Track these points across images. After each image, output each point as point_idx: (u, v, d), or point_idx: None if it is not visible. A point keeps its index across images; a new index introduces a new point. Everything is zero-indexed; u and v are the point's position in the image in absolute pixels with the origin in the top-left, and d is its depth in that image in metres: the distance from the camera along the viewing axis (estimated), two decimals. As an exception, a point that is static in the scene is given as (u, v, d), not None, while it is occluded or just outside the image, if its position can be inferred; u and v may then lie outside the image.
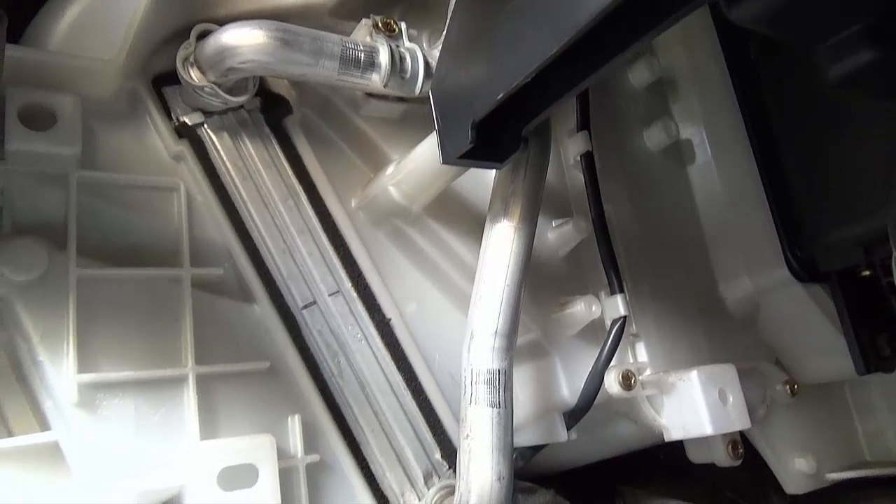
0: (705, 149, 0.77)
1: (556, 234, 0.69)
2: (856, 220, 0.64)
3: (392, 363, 0.64)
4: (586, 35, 0.39)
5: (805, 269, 0.70)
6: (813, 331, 0.72)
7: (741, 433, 0.71)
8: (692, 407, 0.62)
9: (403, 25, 0.63)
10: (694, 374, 0.62)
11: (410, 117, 0.67)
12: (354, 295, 0.64)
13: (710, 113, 0.77)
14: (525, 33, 0.44)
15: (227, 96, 0.60)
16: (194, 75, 0.59)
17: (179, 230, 0.58)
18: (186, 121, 0.62)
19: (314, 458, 0.57)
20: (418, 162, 0.60)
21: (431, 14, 0.66)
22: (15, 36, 0.55)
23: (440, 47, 0.61)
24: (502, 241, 0.55)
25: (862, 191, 0.63)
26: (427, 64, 0.62)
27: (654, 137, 0.77)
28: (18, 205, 0.53)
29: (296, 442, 0.57)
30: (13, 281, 0.50)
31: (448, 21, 0.54)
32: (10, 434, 0.53)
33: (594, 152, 0.70)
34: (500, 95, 0.46)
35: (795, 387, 0.75)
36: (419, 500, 0.61)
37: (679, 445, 0.75)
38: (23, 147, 0.52)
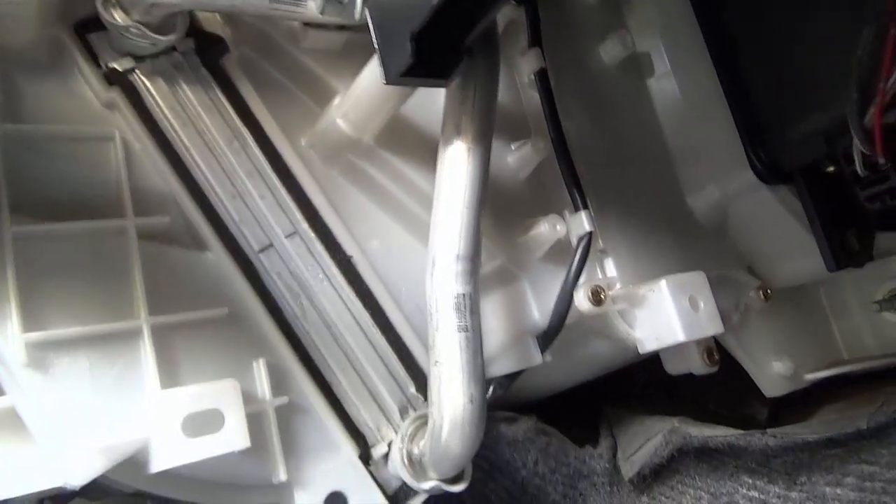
0: (663, 59, 0.76)
1: (516, 157, 0.68)
2: (816, 110, 0.62)
3: (357, 300, 0.62)
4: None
5: (770, 171, 0.69)
6: (782, 233, 0.71)
7: (717, 342, 0.71)
8: (663, 316, 0.61)
9: (334, -54, 0.60)
10: (663, 283, 0.61)
11: (354, 47, 0.64)
12: (312, 235, 0.62)
13: (666, 22, 0.75)
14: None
15: (155, 36, 0.57)
16: (117, 16, 0.56)
17: (119, 180, 0.56)
18: (116, 66, 0.58)
19: (283, 400, 0.56)
20: (363, 88, 0.57)
21: (363, -68, 0.62)
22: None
23: (375, -34, 0.57)
24: (457, 163, 0.54)
25: (820, 81, 0.61)
26: (365, -14, 0.59)
27: (610, 51, 0.74)
28: (-60, 165, 0.50)
29: (263, 385, 0.56)
30: (-56, 244, 0.48)
31: (376, -69, 0.51)
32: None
33: (549, 69, 0.67)
34: (435, 1, 0.44)
35: (769, 291, 0.75)
36: (395, 433, 0.60)
37: (658, 365, 0.75)
38: (-64, 102, 0.49)
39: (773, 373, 0.74)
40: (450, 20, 0.48)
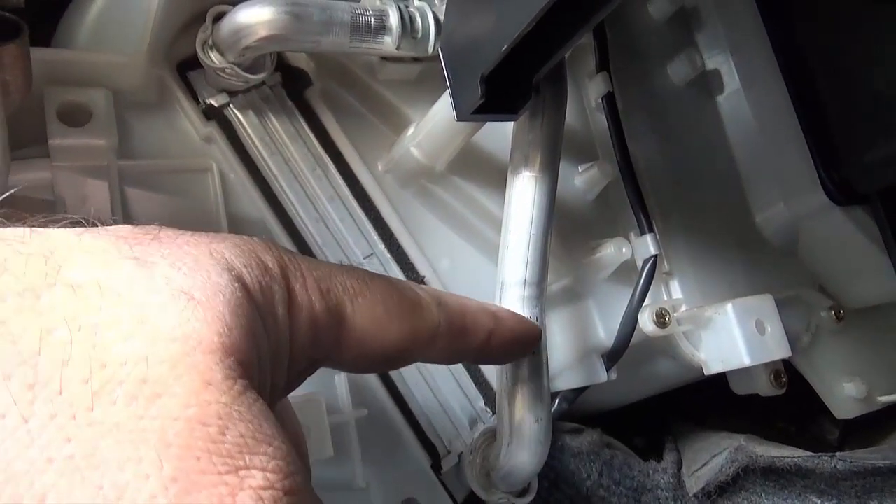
0: (733, 77, 0.75)
1: (583, 179, 0.69)
2: (894, 133, 0.62)
3: (430, 319, 0.66)
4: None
5: (843, 193, 0.68)
6: (856, 254, 0.70)
7: (786, 362, 0.71)
8: (729, 340, 0.62)
9: (411, -15, 0.63)
10: (729, 307, 0.62)
11: (427, 77, 0.67)
12: (388, 256, 0.66)
13: (735, 39, 0.75)
14: (523, -20, 0.43)
15: (246, 75, 0.62)
16: (214, 58, 0.61)
17: (216, 208, 0.61)
18: (213, 103, 0.64)
19: (362, 412, 0.60)
20: (435, 121, 0.61)
21: (438, -30, 0.66)
22: (45, 39, 0.58)
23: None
24: (525, 191, 0.56)
25: (899, 104, 0.60)
26: (437, 21, 0.62)
27: (678, 71, 0.75)
28: (69, 198, 0.57)
29: (345, 398, 0.60)
30: (72, 268, 0.54)
31: (451, -25, 0.54)
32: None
33: (616, 92, 0.69)
34: (505, 47, 0.47)
35: (842, 312, 0.74)
36: (465, 445, 0.64)
37: (726, 380, 0.75)
38: (64, 143, 0.55)
39: (845, 395, 0.73)
40: (520, 61, 0.51)
